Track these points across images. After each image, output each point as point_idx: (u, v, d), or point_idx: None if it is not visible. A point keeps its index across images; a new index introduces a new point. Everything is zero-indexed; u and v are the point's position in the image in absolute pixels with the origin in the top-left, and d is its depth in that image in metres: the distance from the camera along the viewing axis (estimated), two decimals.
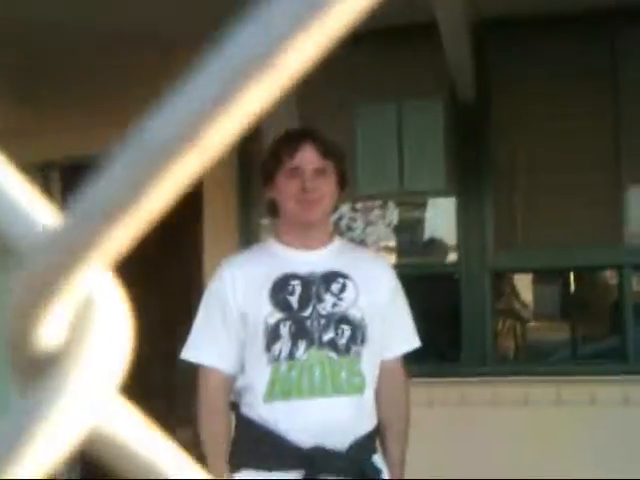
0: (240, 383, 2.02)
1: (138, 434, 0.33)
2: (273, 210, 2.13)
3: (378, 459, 2.04)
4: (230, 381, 2.03)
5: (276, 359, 1.94)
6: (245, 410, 2.00)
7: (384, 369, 2.08)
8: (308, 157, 2.02)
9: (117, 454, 0.32)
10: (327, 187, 2.04)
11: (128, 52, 3.97)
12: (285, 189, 2.03)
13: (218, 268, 2.09)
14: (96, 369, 0.31)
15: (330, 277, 2.01)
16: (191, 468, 0.34)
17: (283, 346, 1.94)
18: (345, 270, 2.03)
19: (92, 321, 0.31)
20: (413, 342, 2.17)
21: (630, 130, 3.76)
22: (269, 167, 2.08)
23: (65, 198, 4.71)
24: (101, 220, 0.29)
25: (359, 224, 4.21)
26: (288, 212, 2.05)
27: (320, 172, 2.03)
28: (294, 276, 2.00)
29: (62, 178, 4.63)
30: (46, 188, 4.53)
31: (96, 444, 0.32)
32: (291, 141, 2.05)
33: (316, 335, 1.95)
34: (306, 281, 2.00)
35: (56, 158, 4.42)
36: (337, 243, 2.13)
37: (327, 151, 2.04)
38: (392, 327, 2.09)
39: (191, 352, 2.05)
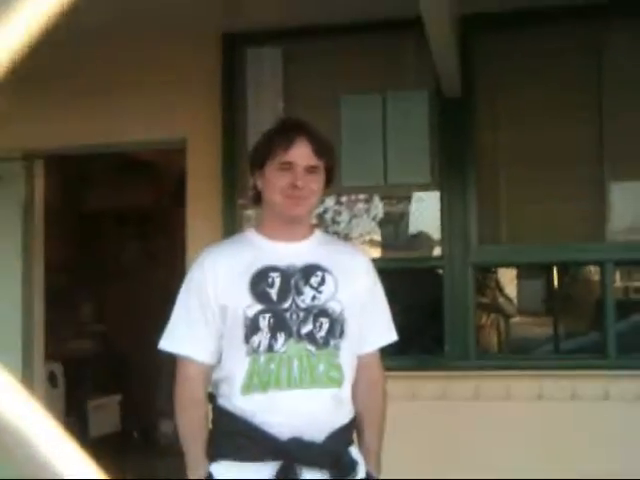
0: (218, 374, 2.01)
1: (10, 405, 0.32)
2: (257, 198, 2.12)
3: (354, 451, 2.05)
4: (208, 372, 2.02)
5: (255, 351, 1.93)
6: (222, 401, 2.00)
7: (362, 362, 2.08)
8: (302, 153, 2.00)
9: None
10: (316, 185, 2.03)
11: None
12: (274, 181, 2.01)
13: (198, 257, 2.09)
14: None
15: (309, 270, 2.01)
16: (62, 440, 0.33)
17: (262, 338, 1.94)
18: (324, 263, 2.03)
19: None
20: (391, 335, 2.17)
21: (614, 126, 3.78)
22: (260, 155, 2.07)
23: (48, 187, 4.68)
24: None
25: (344, 217, 4.22)
26: (274, 205, 2.04)
27: (312, 169, 2.02)
28: (274, 268, 2.00)
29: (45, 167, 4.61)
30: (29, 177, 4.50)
31: None
32: (287, 134, 2.03)
33: (295, 328, 1.95)
34: (285, 273, 1.99)
35: (39, 147, 4.39)
36: (317, 236, 2.13)
37: (321, 149, 2.03)
38: (370, 320, 2.09)
39: (169, 342, 2.04)
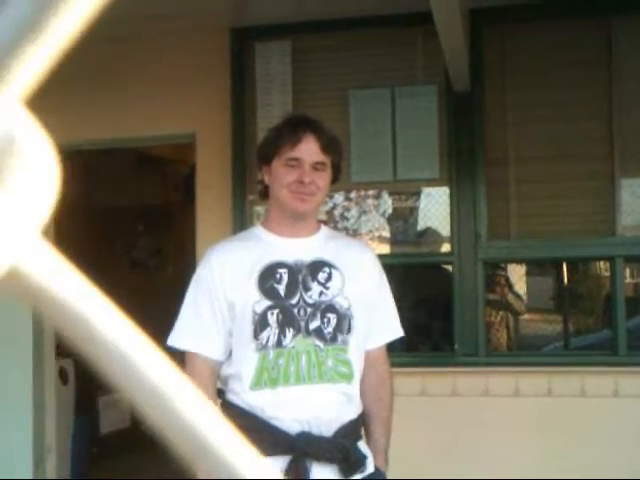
0: (226, 370, 2.02)
1: (59, 277, 0.32)
2: (264, 193, 2.12)
3: (363, 446, 2.04)
4: (216, 368, 2.02)
5: (264, 347, 1.94)
6: (231, 397, 2.00)
7: (368, 358, 2.08)
8: (310, 149, 2.00)
9: (34, 295, 0.31)
10: (323, 181, 2.03)
11: None
12: (281, 177, 2.01)
13: (206, 254, 2.09)
14: (18, 205, 0.30)
15: (316, 266, 2.01)
16: (114, 314, 0.33)
17: (271, 334, 1.94)
18: (331, 259, 2.03)
19: (14, 156, 0.30)
20: (397, 331, 2.17)
21: (625, 120, 3.76)
22: (267, 150, 2.07)
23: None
24: (11, 41, 0.28)
25: (353, 213, 4.21)
26: (280, 200, 2.04)
27: (319, 166, 2.02)
28: (281, 264, 2.00)
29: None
30: None
31: (13, 282, 0.31)
32: (295, 129, 2.03)
33: (303, 323, 1.95)
34: (293, 269, 1.99)
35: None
36: (324, 232, 2.13)
37: (328, 146, 2.03)
38: (377, 316, 2.09)
39: (178, 339, 2.04)
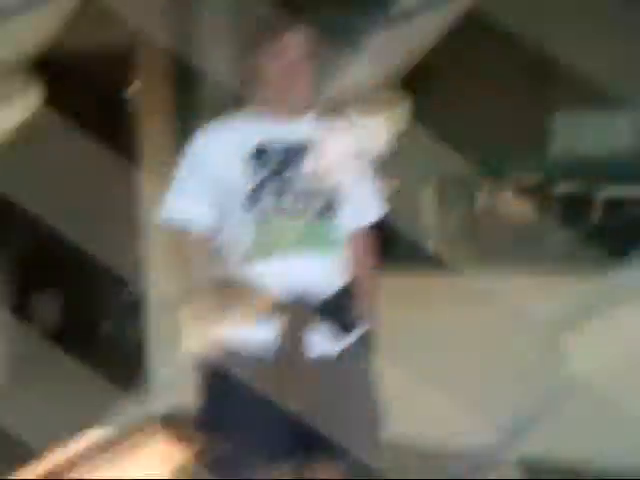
0: (217, 245, 2.09)
1: None
2: (251, 76, 2.16)
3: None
4: (209, 239, 2.10)
5: (255, 221, 2.03)
6: (226, 269, 2.07)
7: (353, 236, 2.22)
8: (297, 41, 2.09)
9: None
10: (311, 70, 2.12)
11: None
12: (270, 68, 2.08)
13: (193, 137, 2.14)
14: None
15: (304, 148, 2.10)
16: None
17: (261, 210, 2.03)
18: (318, 142, 2.12)
19: None
20: (380, 210, 2.31)
21: None
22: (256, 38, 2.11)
23: None
24: None
25: None
26: (271, 88, 2.10)
27: (308, 55, 2.10)
28: (271, 144, 2.08)
29: None
30: None
31: None
32: (279, 22, 2.10)
33: (293, 201, 2.06)
34: (282, 150, 2.09)
35: None
36: (314, 114, 2.19)
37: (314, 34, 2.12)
38: (360, 196, 2.22)
39: (168, 213, 2.10)
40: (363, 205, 2.24)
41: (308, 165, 2.09)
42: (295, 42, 2.08)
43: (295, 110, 2.14)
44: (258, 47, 2.09)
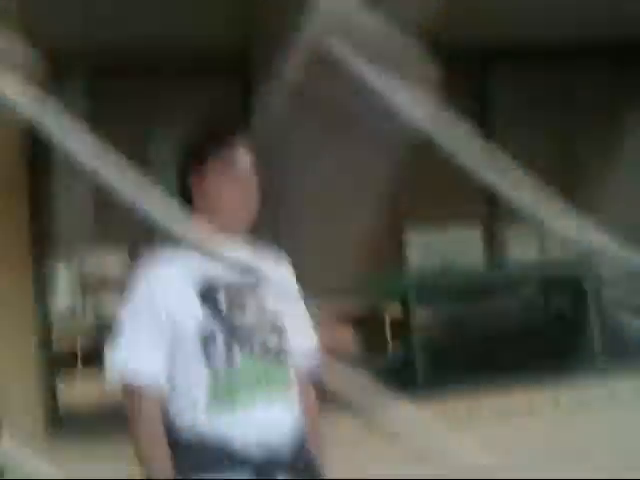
0: (171, 392, 1.90)
1: None
2: (189, 198, 2.03)
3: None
4: (162, 393, 1.90)
5: (213, 366, 1.87)
6: (180, 420, 1.89)
7: (298, 373, 2.08)
8: (246, 158, 2.02)
9: None
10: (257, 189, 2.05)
11: None
12: (224, 188, 1.98)
13: (138, 271, 1.96)
14: None
15: (253, 281, 2.00)
16: None
17: (218, 353, 1.88)
18: (263, 272, 2.03)
19: None
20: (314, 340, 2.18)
21: None
22: (202, 153, 2.01)
23: None
24: None
25: None
26: (225, 212, 1.99)
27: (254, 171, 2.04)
28: (219, 278, 1.95)
29: None
30: None
31: None
32: (225, 136, 2.02)
33: (248, 341, 1.92)
34: (231, 286, 1.96)
35: None
36: (247, 241, 2.08)
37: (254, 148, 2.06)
38: (299, 333, 2.09)
39: (121, 364, 1.88)
40: (303, 338, 2.11)
41: (256, 301, 1.98)
42: (244, 154, 2.02)
43: (239, 226, 2.03)
44: (206, 161, 1.99)
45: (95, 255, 4.18)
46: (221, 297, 1.92)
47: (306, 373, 2.12)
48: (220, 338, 1.88)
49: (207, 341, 1.88)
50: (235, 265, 1.98)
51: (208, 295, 1.92)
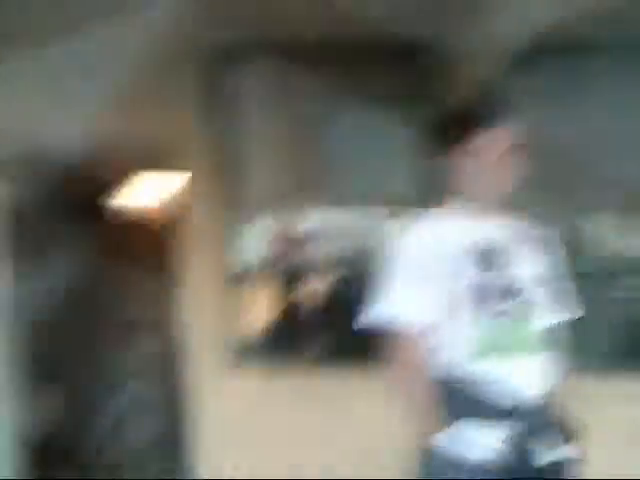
0: (437, 340, 2.04)
1: None
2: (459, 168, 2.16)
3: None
4: (423, 338, 2.03)
5: (483, 317, 2.01)
6: (445, 368, 2.03)
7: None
8: (509, 133, 2.13)
9: None
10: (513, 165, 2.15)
11: None
12: (487, 158, 2.10)
13: (402, 235, 2.11)
14: None
15: (508, 247, 2.12)
16: None
17: (487, 305, 2.01)
18: (514, 244, 2.16)
19: None
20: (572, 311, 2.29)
21: None
22: (462, 132, 2.13)
23: None
24: None
25: None
26: (484, 181, 2.13)
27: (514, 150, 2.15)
28: (487, 243, 2.09)
29: None
30: None
31: None
32: (493, 113, 2.14)
33: (506, 296, 2.04)
34: (492, 249, 2.08)
35: None
36: (507, 214, 2.21)
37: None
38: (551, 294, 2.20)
39: (381, 312, 2.04)
40: (555, 303, 2.22)
41: (511, 266, 2.09)
42: (506, 136, 2.12)
43: (495, 205, 2.15)
44: (467, 141, 2.11)
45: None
46: (490, 259, 2.06)
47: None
48: (485, 295, 2.02)
49: (478, 297, 2.01)
50: (492, 231, 2.13)
51: (478, 254, 2.06)
